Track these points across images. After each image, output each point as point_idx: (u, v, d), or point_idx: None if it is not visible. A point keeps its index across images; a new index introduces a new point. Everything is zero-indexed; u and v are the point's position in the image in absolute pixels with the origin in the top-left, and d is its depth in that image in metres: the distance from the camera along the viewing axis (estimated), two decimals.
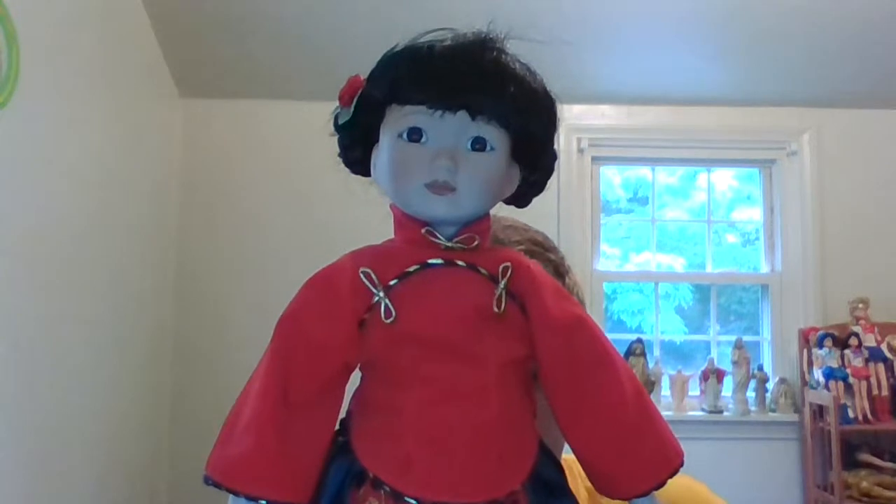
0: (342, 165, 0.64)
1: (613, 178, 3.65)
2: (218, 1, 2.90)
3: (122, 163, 2.80)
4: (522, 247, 0.78)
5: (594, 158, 3.39)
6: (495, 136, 0.58)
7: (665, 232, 3.67)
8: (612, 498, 0.61)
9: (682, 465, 0.60)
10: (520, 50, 0.62)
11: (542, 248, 0.81)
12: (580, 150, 3.32)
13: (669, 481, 0.89)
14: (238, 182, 3.29)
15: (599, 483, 0.61)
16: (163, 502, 3.12)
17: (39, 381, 2.30)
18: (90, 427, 2.60)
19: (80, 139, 2.53)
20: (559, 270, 0.82)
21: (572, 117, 3.30)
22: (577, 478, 0.77)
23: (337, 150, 0.63)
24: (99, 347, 2.65)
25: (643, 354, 3.16)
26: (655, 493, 0.60)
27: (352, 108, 0.60)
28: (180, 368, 3.20)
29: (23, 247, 2.20)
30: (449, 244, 0.59)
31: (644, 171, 3.58)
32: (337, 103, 0.61)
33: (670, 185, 3.70)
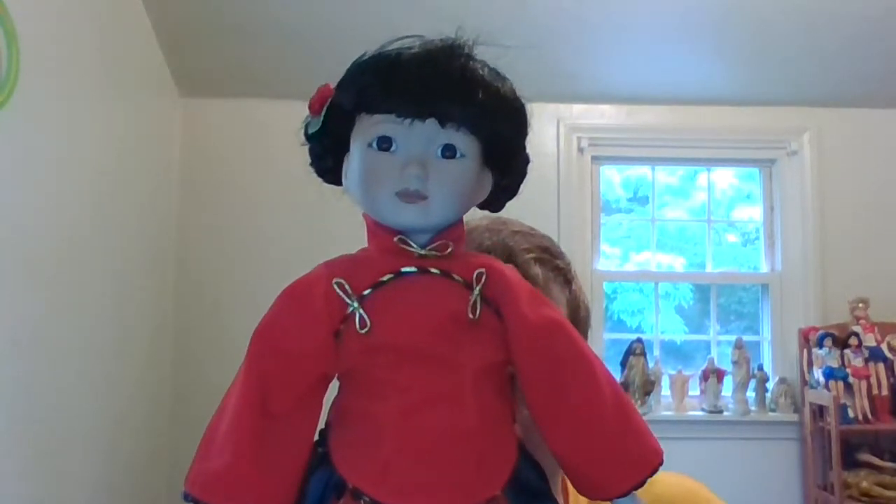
0: (314, 175, 0.64)
1: (613, 178, 3.65)
2: (218, 1, 2.90)
3: (122, 163, 2.80)
4: (533, 254, 0.78)
5: (594, 158, 3.39)
6: (465, 143, 0.58)
7: (665, 232, 3.67)
8: (593, 499, 0.61)
9: (661, 464, 0.60)
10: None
11: (550, 255, 0.81)
12: (580, 150, 3.32)
13: (668, 482, 0.89)
14: (238, 182, 3.29)
15: (580, 484, 0.61)
16: (162, 502, 3.12)
17: (39, 381, 2.30)
18: (90, 427, 2.60)
19: (80, 139, 2.53)
20: (567, 277, 0.82)
21: (572, 117, 3.30)
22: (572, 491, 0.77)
23: (308, 159, 0.63)
24: (99, 347, 2.65)
25: (643, 354, 3.16)
26: (637, 492, 0.60)
27: (321, 118, 0.60)
28: (180, 368, 3.20)
29: (23, 246, 2.20)
30: (422, 252, 0.59)
31: (644, 171, 3.58)
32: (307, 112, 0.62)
33: (670, 185, 3.70)
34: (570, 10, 2.88)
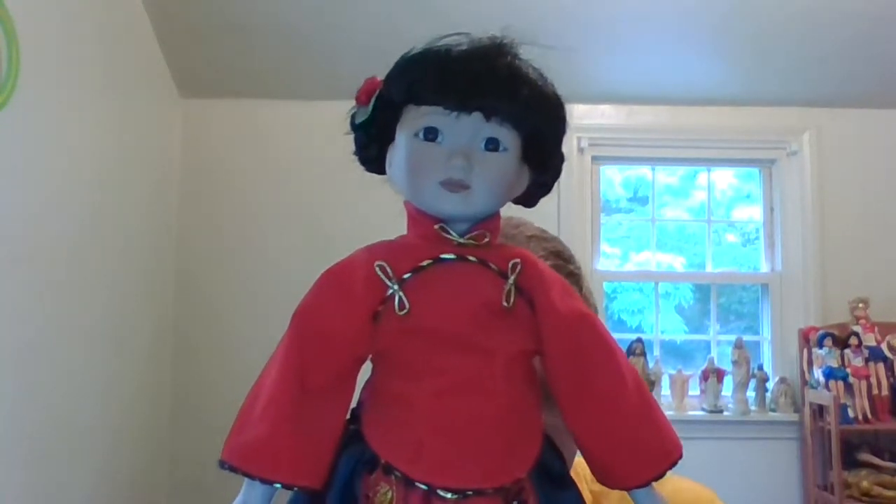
0: (357, 163, 0.66)
1: (613, 178, 3.65)
2: (218, 1, 2.90)
3: (122, 163, 2.80)
4: (549, 262, 0.80)
5: (594, 158, 3.39)
6: (508, 138, 0.60)
7: (665, 231, 3.67)
8: (612, 488, 0.62)
9: (680, 457, 0.61)
10: (524, 52, 0.63)
11: (563, 261, 0.84)
12: (580, 150, 3.32)
13: (679, 488, 0.89)
14: (238, 182, 3.29)
15: (600, 473, 0.62)
16: (162, 503, 3.12)
17: (39, 382, 2.30)
18: (90, 427, 2.60)
19: (80, 139, 2.53)
20: (579, 283, 0.84)
21: (572, 117, 3.28)
22: (582, 480, 0.78)
23: (353, 148, 0.65)
24: (99, 347, 2.65)
25: (643, 354, 3.16)
26: (654, 484, 0.61)
27: (369, 108, 0.62)
28: (180, 368, 3.20)
29: (23, 246, 2.20)
30: (461, 240, 0.61)
31: (644, 171, 3.58)
32: (353, 103, 0.63)
33: (670, 185, 3.70)
34: (571, 10, 2.88)
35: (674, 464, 0.61)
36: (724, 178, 3.64)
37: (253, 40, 3.03)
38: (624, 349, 3.25)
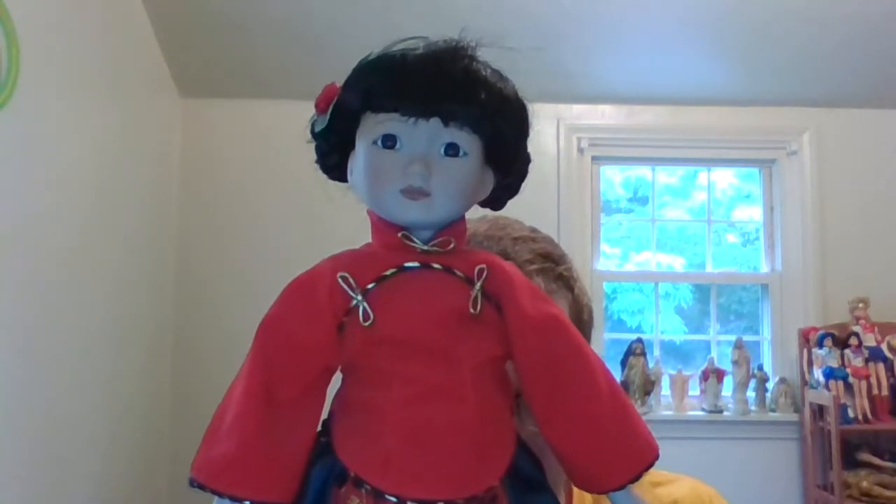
0: (319, 171, 0.65)
1: (613, 178, 3.65)
2: (219, 1, 2.90)
3: (122, 163, 2.80)
4: (535, 265, 0.79)
5: (594, 158, 3.39)
6: (468, 142, 0.59)
7: (665, 231, 3.67)
8: (589, 492, 0.62)
9: (656, 458, 0.61)
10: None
11: (552, 263, 0.82)
12: (580, 150, 3.32)
13: (679, 485, 0.89)
14: (238, 182, 3.29)
15: (576, 478, 0.62)
16: (163, 502, 3.12)
17: (39, 381, 2.30)
18: (90, 427, 2.60)
19: (80, 139, 2.53)
20: (569, 284, 0.83)
21: (572, 117, 3.30)
22: None
23: (314, 156, 0.64)
24: (99, 347, 2.65)
25: (643, 354, 3.16)
26: (635, 488, 0.61)
27: (328, 116, 0.61)
28: (180, 368, 3.20)
29: (22, 246, 2.20)
30: (425, 248, 0.60)
31: (644, 171, 3.58)
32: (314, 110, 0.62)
33: (670, 185, 3.70)
34: (570, 10, 2.88)
35: (649, 466, 0.60)
36: (724, 178, 3.64)
37: (253, 40, 3.03)
38: (624, 349, 3.27)
